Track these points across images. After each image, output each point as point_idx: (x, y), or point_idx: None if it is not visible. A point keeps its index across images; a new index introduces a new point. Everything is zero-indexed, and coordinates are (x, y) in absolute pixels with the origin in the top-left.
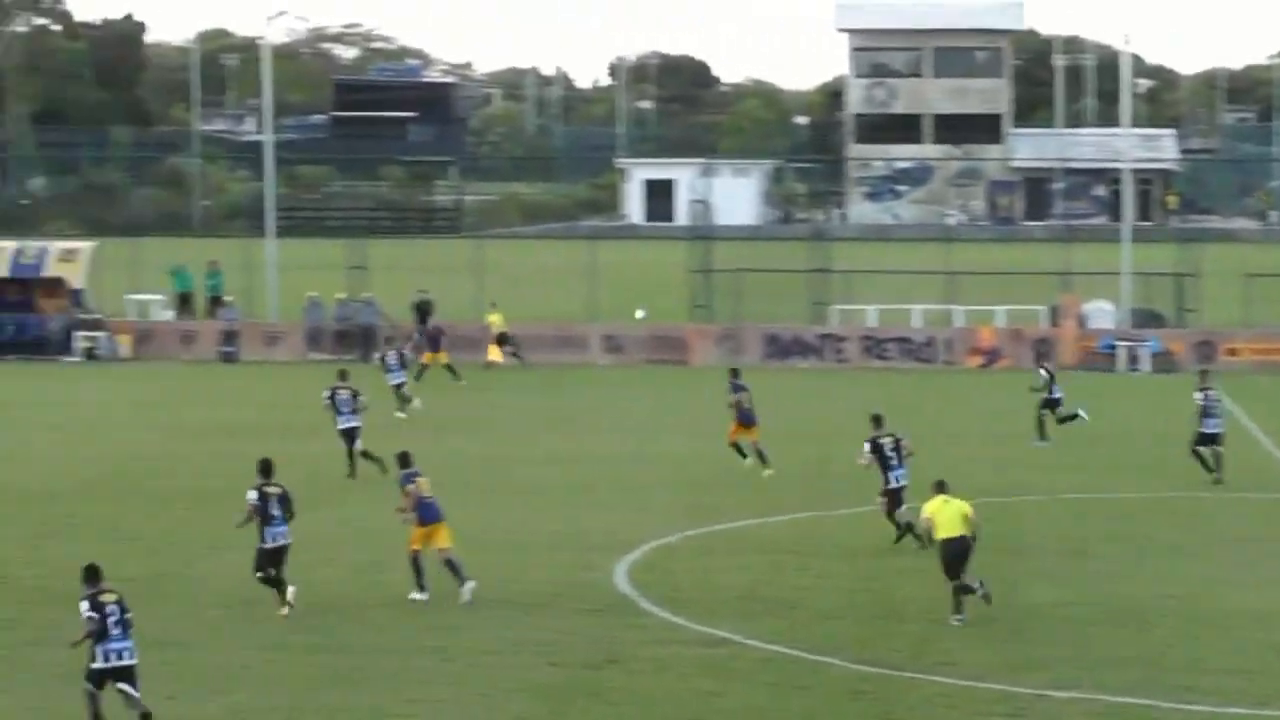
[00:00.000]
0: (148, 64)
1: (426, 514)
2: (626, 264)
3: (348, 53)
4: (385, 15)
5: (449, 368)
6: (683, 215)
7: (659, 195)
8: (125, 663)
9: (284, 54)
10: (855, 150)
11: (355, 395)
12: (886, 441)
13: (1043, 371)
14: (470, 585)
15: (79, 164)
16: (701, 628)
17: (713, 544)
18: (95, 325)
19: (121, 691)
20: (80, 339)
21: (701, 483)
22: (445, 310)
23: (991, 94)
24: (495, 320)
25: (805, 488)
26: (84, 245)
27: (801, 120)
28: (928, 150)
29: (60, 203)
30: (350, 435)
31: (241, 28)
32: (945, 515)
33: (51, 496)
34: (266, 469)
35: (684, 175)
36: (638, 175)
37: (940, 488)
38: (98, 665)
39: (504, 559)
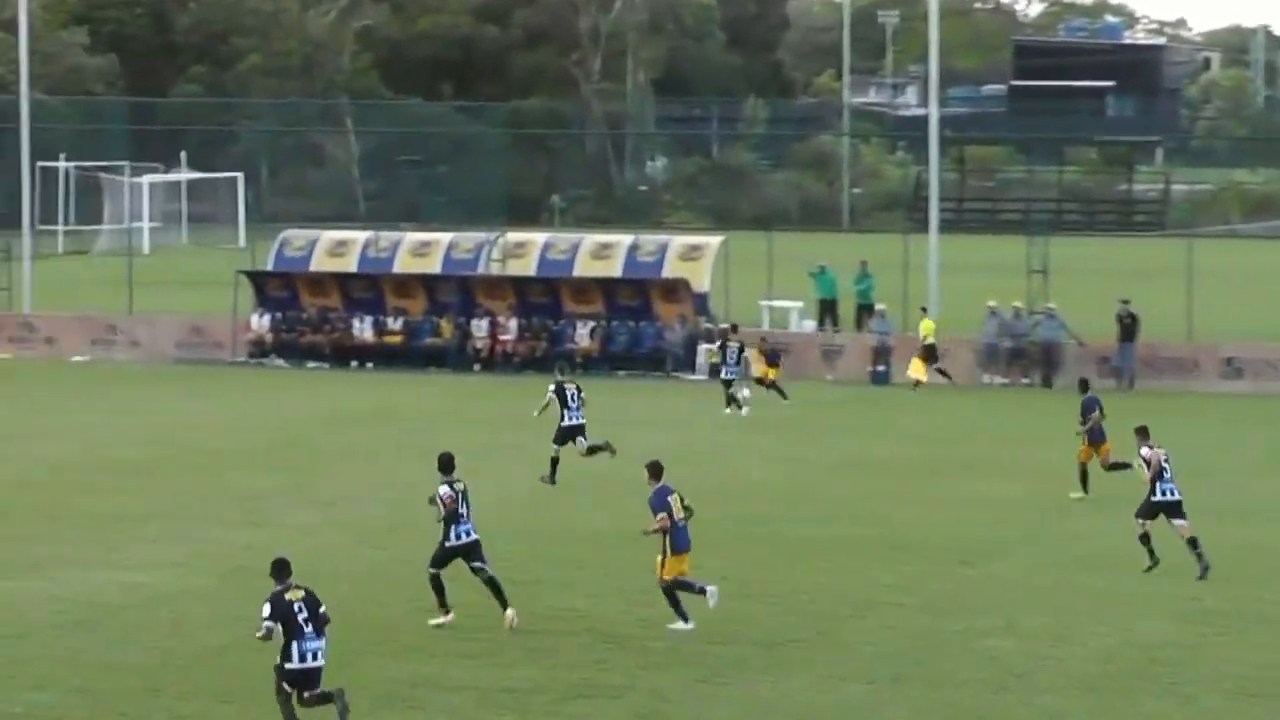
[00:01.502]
0: (789, 23)
1: (679, 540)
2: None
3: (1031, 9)
4: None
5: (776, 386)
6: None
7: None
8: (317, 664)
9: (954, 11)
10: None
11: (579, 390)
12: (1160, 452)
13: None
14: (714, 589)
15: (706, 142)
16: None
17: None
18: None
19: (304, 694)
20: (704, 353)
21: None
22: (1151, 326)
23: None
24: (927, 329)
25: None
26: (710, 240)
27: None
28: None
29: (683, 188)
30: (572, 434)
31: None
32: None
33: None
34: (448, 464)
35: None
36: None
37: None
38: (293, 666)
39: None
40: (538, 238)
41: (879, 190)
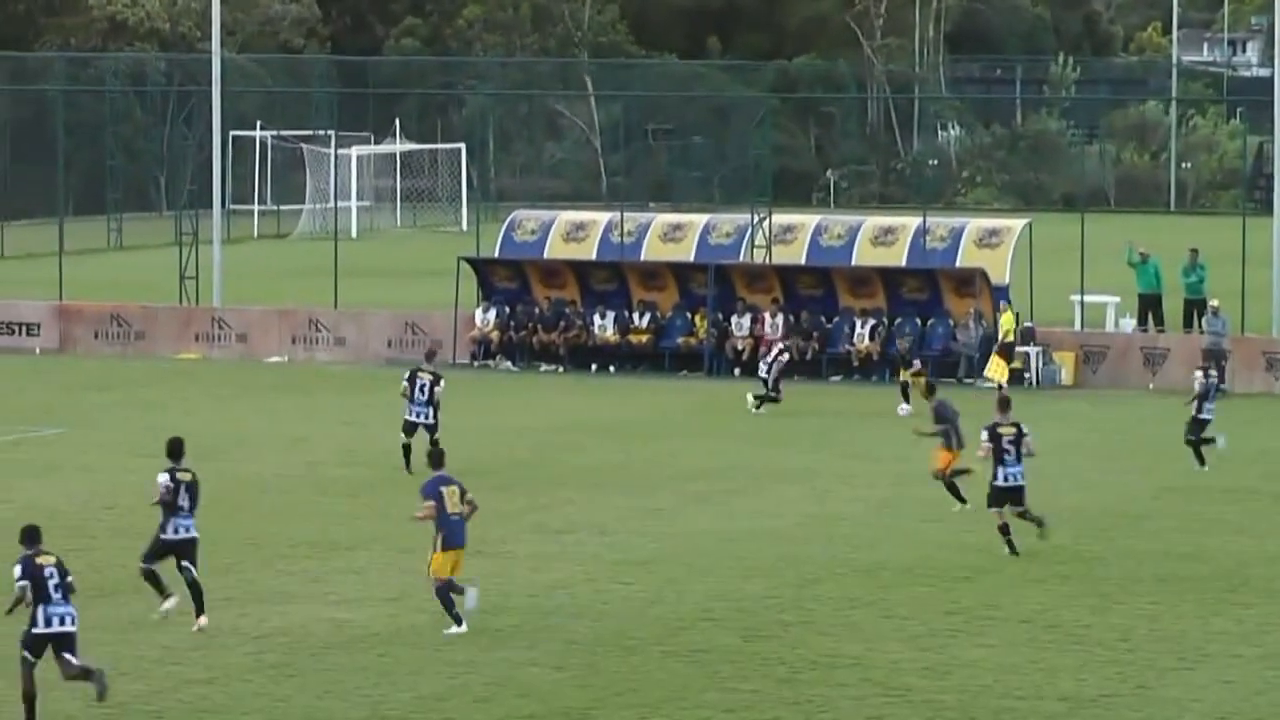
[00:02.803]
0: None
1: (451, 536)
2: None
3: None
4: None
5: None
6: None
7: None
8: (66, 629)
9: None
10: None
11: (436, 381)
12: (1006, 432)
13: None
14: (473, 591)
15: (1008, 108)
16: None
17: None
18: (1025, 337)
19: (61, 658)
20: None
21: None
22: None
23: None
24: (1007, 325)
25: None
26: (1012, 224)
27: None
28: None
29: (980, 162)
30: (413, 429)
31: None
32: None
33: (960, 580)
34: (176, 450)
35: None
36: None
37: None
38: (38, 630)
39: None
40: (808, 220)
41: (1213, 166)
